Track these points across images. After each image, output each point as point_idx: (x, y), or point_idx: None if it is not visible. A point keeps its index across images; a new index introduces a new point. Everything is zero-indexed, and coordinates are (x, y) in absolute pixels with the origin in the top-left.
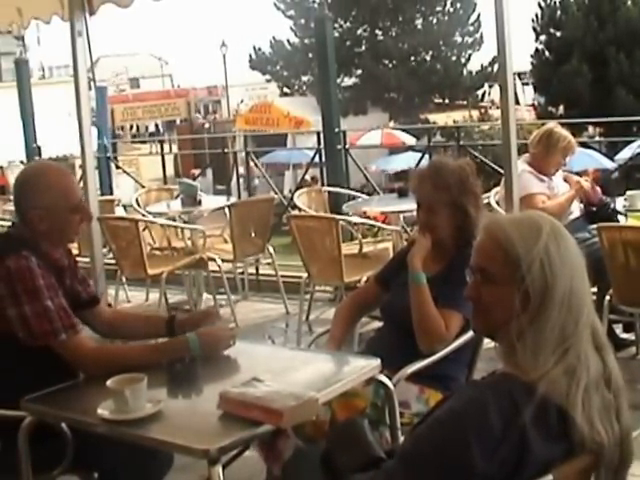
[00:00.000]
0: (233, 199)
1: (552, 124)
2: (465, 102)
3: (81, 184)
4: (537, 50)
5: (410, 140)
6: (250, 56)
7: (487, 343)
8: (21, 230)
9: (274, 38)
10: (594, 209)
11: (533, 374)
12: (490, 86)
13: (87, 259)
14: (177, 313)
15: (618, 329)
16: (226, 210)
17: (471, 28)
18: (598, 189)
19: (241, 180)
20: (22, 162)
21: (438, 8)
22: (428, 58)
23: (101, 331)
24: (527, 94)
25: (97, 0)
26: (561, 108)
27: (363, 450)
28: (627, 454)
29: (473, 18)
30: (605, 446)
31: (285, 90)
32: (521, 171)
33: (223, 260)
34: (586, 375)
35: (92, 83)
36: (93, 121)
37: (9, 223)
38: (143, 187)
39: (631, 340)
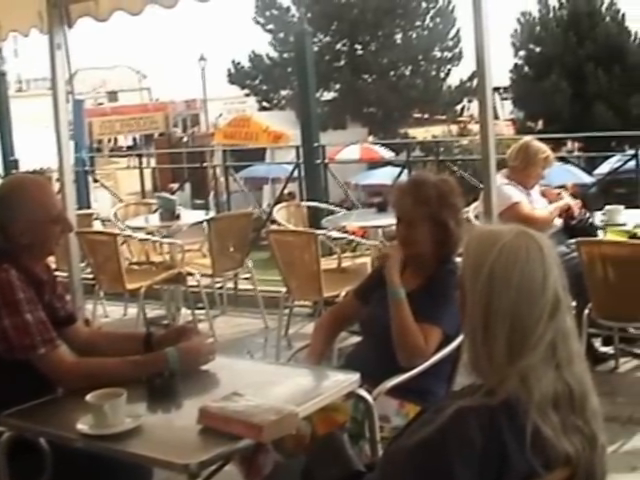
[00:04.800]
0: (212, 213)
1: (528, 138)
2: (444, 117)
3: (58, 197)
4: (516, 65)
5: (389, 155)
6: (229, 70)
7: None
8: (1, 243)
9: (253, 52)
10: (573, 223)
11: (492, 381)
12: (469, 101)
13: (65, 274)
14: (154, 330)
15: (597, 343)
16: (205, 225)
17: (450, 43)
18: (579, 203)
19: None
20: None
21: (418, 23)
22: (407, 73)
23: (77, 350)
24: (506, 109)
25: (75, 13)
26: (540, 123)
27: (343, 464)
28: (601, 471)
29: (453, 33)
30: (575, 463)
31: (264, 104)
32: (500, 184)
33: (202, 275)
34: (539, 394)
35: (70, 96)
36: (70, 134)
37: None
38: (121, 201)
39: (610, 354)
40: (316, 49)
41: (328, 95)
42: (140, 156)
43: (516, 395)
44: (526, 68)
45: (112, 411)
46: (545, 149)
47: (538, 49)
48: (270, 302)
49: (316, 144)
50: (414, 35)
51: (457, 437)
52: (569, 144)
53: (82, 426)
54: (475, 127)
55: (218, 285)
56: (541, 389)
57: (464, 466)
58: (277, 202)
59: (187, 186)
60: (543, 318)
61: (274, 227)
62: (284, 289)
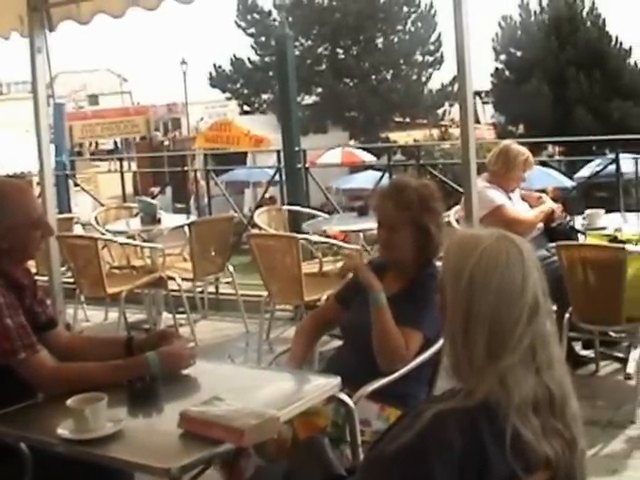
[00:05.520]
0: (193, 217)
1: (507, 141)
2: (426, 121)
3: (39, 201)
4: (497, 69)
5: (370, 159)
6: (210, 74)
7: None
8: None
9: (234, 56)
10: (553, 227)
11: (472, 383)
12: (451, 105)
13: (45, 278)
14: (135, 334)
15: (578, 346)
16: (186, 229)
17: (432, 47)
18: (560, 207)
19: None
20: None
21: (399, 27)
22: (389, 77)
23: (58, 354)
24: (487, 113)
25: (57, 16)
26: (521, 127)
27: (324, 469)
28: (581, 475)
29: (434, 37)
30: (555, 466)
31: (245, 108)
32: (482, 188)
33: (183, 279)
34: (518, 397)
35: (50, 100)
36: (51, 138)
37: None
38: (102, 205)
39: (590, 357)
40: (297, 53)
41: (309, 99)
42: (121, 160)
43: (496, 398)
44: (507, 72)
45: (93, 416)
46: (525, 152)
47: (519, 53)
48: (251, 306)
49: (297, 148)
50: (395, 39)
51: (436, 441)
52: (550, 148)
53: (63, 431)
54: (456, 131)
55: (199, 289)
56: (521, 392)
57: (444, 469)
58: (258, 206)
59: (168, 190)
60: (522, 320)
61: (255, 231)
62: (265, 293)
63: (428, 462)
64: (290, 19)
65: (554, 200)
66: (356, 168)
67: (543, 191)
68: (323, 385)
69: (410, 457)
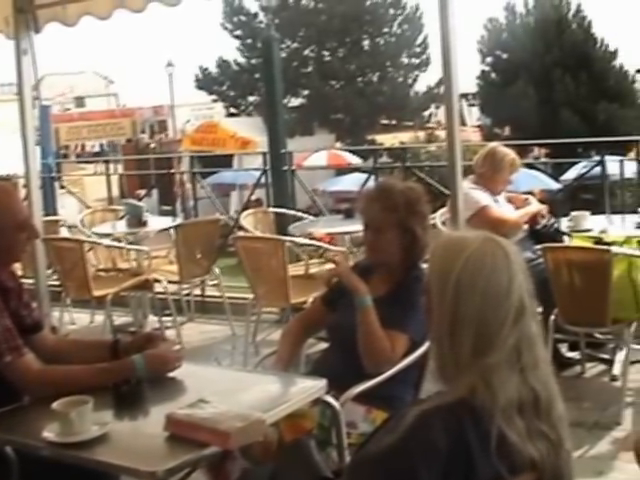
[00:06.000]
0: (179, 220)
1: (494, 144)
2: (412, 123)
3: (25, 204)
4: (483, 72)
5: (356, 161)
6: (196, 76)
7: None
8: None
9: (221, 58)
10: (538, 228)
11: (458, 384)
12: (437, 107)
13: (31, 281)
14: (121, 337)
15: (563, 348)
16: (172, 231)
17: (418, 49)
18: (546, 208)
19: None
20: None
21: (385, 29)
22: (375, 79)
23: (44, 357)
24: (473, 115)
25: (43, 18)
26: (507, 129)
27: (310, 471)
28: (567, 476)
29: (420, 39)
30: (540, 468)
31: (232, 110)
32: (468, 189)
33: (169, 281)
34: (504, 398)
35: (36, 102)
36: (37, 140)
37: None
38: (88, 207)
39: (576, 359)
40: (284, 55)
41: (296, 101)
42: (107, 162)
43: (481, 400)
44: (493, 74)
45: (79, 419)
46: (511, 154)
47: (505, 55)
48: (238, 309)
49: (283, 150)
50: (382, 41)
51: (420, 441)
52: (536, 150)
53: (48, 434)
54: (443, 133)
55: (185, 292)
56: (506, 394)
57: (429, 471)
58: (244, 208)
59: (154, 192)
60: (507, 322)
61: (241, 234)
62: (251, 296)
63: (413, 463)
64: (276, 21)
65: (541, 202)
66: (342, 170)
67: (530, 193)
68: (309, 387)
69: (395, 458)
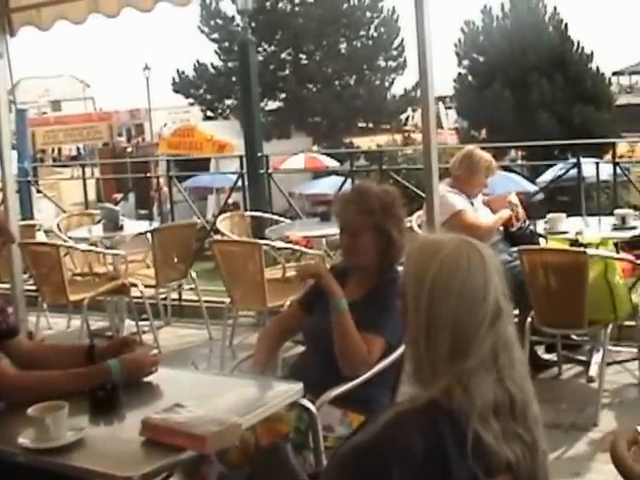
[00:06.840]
0: (155, 224)
1: (470, 146)
2: (389, 126)
3: (1, 209)
4: (460, 74)
5: (333, 164)
6: (173, 79)
7: None
8: None
9: (198, 61)
10: (513, 231)
11: (434, 386)
12: (414, 110)
13: (7, 285)
14: (97, 342)
15: (540, 350)
16: (148, 235)
17: (395, 52)
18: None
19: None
20: None
21: (362, 32)
22: (352, 82)
23: (20, 363)
24: (450, 118)
25: (17, 22)
26: (484, 132)
27: (287, 475)
28: (543, 478)
29: (397, 42)
30: (516, 470)
31: (208, 114)
32: (444, 193)
33: (145, 286)
34: (480, 401)
35: (12, 105)
36: (13, 144)
37: None
38: (64, 212)
39: (553, 361)
40: (261, 58)
41: (273, 104)
42: (84, 166)
43: (458, 403)
44: (470, 77)
45: (54, 424)
46: (488, 157)
47: (482, 58)
48: (214, 313)
49: (260, 154)
50: (358, 44)
51: (395, 443)
52: (512, 153)
53: (24, 440)
54: (419, 136)
55: (162, 296)
56: (482, 396)
57: (402, 473)
58: (221, 212)
59: (131, 196)
60: (484, 325)
61: (218, 237)
62: (228, 299)
63: (385, 461)
64: (253, 24)
65: (520, 202)
66: (319, 173)
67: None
68: (285, 391)
69: (367, 454)
